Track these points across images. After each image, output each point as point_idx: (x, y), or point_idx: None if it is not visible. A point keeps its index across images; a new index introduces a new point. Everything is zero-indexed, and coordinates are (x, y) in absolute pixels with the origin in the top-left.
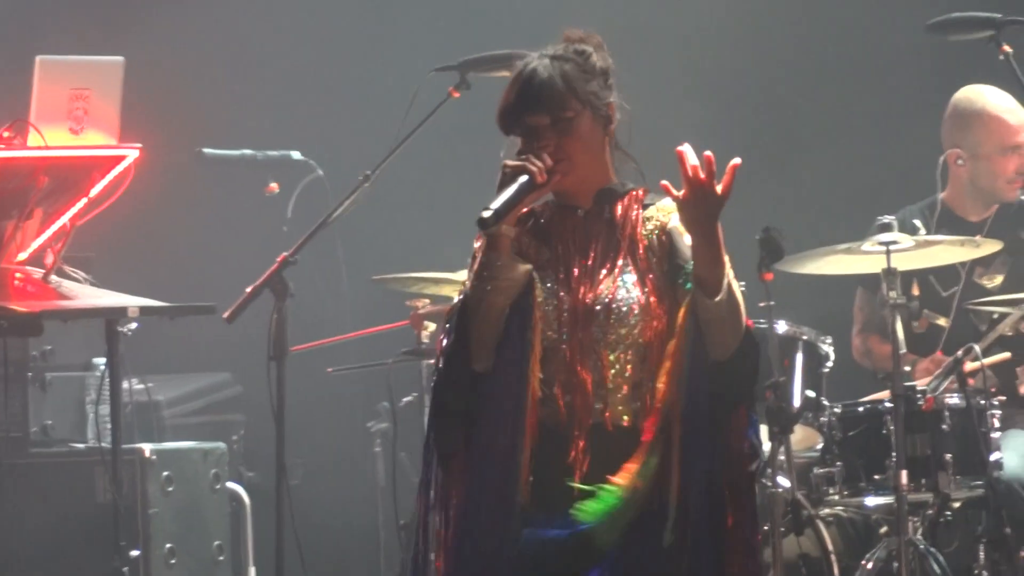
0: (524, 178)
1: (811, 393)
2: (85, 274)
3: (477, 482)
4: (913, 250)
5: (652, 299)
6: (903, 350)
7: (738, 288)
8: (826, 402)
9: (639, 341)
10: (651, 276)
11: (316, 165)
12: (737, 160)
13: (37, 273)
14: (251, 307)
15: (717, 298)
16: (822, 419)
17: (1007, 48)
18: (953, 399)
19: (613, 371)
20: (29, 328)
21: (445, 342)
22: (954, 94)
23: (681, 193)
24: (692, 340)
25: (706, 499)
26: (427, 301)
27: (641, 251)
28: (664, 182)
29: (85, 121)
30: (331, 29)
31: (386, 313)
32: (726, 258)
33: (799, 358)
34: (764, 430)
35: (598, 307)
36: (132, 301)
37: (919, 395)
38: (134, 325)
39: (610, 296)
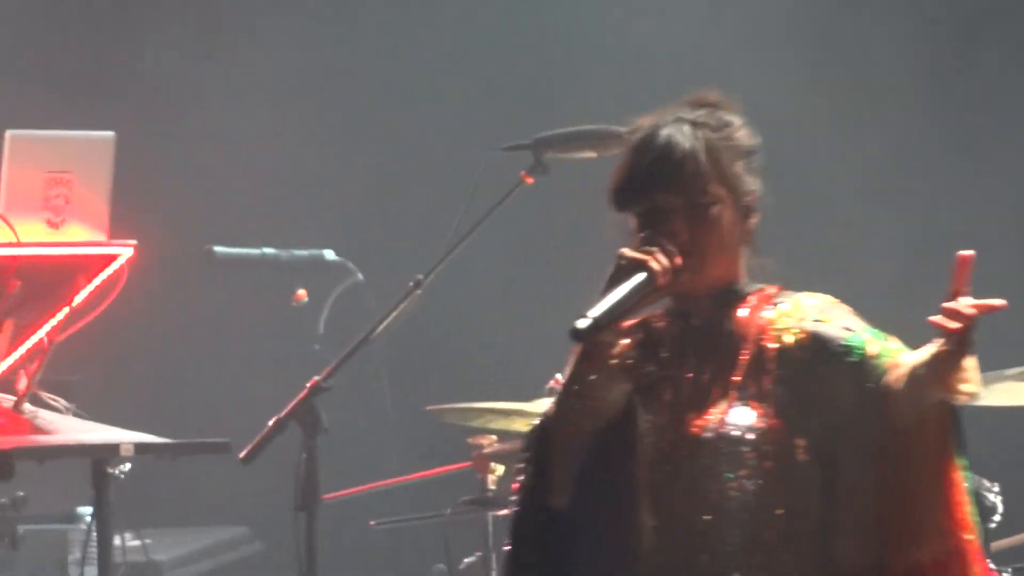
0: (642, 276)
1: None
2: (67, 402)
3: None
4: None
5: (772, 423)
6: None
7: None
8: (994, 566)
9: (753, 476)
10: (777, 394)
11: (355, 268)
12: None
13: (7, 401)
14: (273, 445)
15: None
16: None
17: None
18: None
19: (722, 513)
20: None
21: (521, 476)
22: None
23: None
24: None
25: None
26: (494, 438)
27: (769, 363)
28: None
29: (66, 212)
30: (372, 104)
31: (442, 453)
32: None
33: None
34: None
35: (706, 436)
36: (126, 436)
37: None
38: (128, 466)
39: (719, 422)
